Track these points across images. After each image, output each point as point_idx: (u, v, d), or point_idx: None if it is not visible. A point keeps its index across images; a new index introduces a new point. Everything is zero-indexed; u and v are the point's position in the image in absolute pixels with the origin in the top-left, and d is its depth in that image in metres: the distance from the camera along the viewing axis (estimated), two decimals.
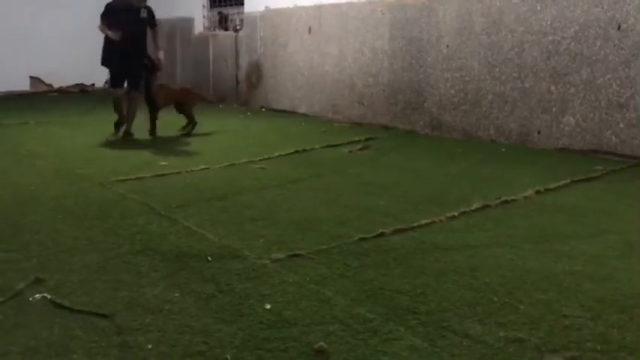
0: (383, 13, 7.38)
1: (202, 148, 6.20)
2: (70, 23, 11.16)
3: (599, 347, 2.20)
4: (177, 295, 2.70)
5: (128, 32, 6.55)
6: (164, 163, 5.46)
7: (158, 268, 3.01)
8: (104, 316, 2.48)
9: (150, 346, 2.24)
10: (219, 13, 10.58)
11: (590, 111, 5.56)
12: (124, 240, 3.42)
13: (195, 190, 4.54)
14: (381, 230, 3.50)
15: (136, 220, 3.78)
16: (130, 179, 4.84)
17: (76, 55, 11.07)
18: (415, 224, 3.63)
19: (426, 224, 3.65)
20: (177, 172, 5.10)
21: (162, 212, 3.93)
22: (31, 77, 11.82)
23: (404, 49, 7.21)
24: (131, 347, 2.24)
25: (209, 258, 3.10)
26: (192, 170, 5.17)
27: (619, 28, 5.30)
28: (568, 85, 5.69)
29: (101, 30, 6.67)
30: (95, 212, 3.98)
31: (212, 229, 3.57)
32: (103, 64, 6.93)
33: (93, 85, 12.41)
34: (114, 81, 6.97)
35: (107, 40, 6.66)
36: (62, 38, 11.19)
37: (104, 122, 7.32)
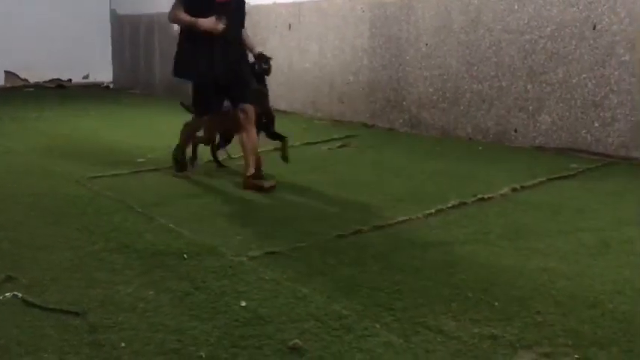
0: (363, 11, 7.39)
1: None
2: (47, 17, 10.99)
3: (570, 343, 2.23)
4: (151, 293, 2.67)
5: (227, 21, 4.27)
6: (142, 160, 5.41)
7: (133, 266, 2.98)
8: (76, 314, 2.45)
9: (123, 345, 2.22)
10: None
11: (565, 110, 5.62)
12: (98, 237, 3.39)
13: (172, 186, 4.51)
14: (359, 227, 3.51)
15: (112, 218, 3.74)
16: (106, 176, 4.79)
17: (53, 49, 10.92)
18: (393, 221, 3.65)
19: (404, 221, 3.67)
20: (154, 169, 5.06)
21: (139, 209, 3.89)
22: (6, 72, 11.63)
23: (383, 47, 7.22)
24: (103, 345, 2.21)
25: (185, 255, 3.08)
26: (169, 167, 5.11)
27: (594, 28, 5.37)
28: (544, 84, 5.74)
29: (178, 20, 4.35)
30: (70, 209, 3.93)
31: (189, 226, 3.54)
32: (180, 74, 4.50)
33: (70, 80, 12.25)
34: (205, 101, 4.45)
35: (188, 36, 4.36)
36: (38, 32, 11.01)
37: (80, 118, 7.23)
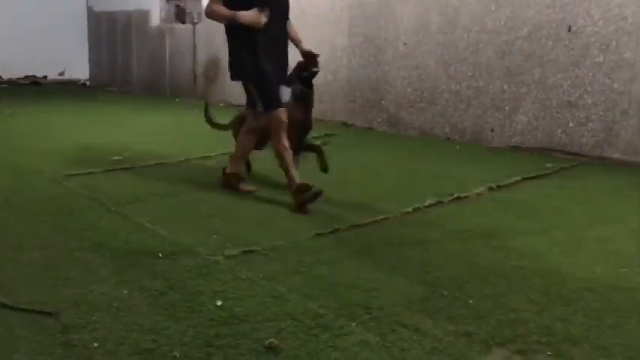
0: (342, 10, 7.39)
1: (157, 143, 6.09)
2: (22, 13, 10.82)
3: (544, 340, 2.25)
4: (126, 292, 2.64)
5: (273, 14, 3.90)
6: (117, 158, 5.35)
7: (107, 265, 2.94)
8: (49, 314, 2.41)
9: (95, 345, 2.18)
10: (177, 5, 10.42)
11: (541, 110, 5.69)
12: (72, 236, 3.34)
13: (148, 185, 4.46)
14: (336, 226, 3.51)
15: (86, 216, 3.69)
16: (81, 174, 4.72)
17: (28, 45, 10.76)
18: (370, 220, 3.65)
19: (381, 220, 3.68)
20: (130, 168, 5.00)
21: (114, 208, 3.84)
22: None
23: (362, 46, 7.23)
24: (76, 346, 2.18)
25: (160, 254, 3.05)
26: (146, 165, 5.07)
27: (569, 29, 5.44)
28: (521, 85, 5.81)
29: (215, 15, 3.96)
30: (43, 208, 3.86)
31: (165, 225, 3.50)
32: (237, 76, 4.08)
33: (45, 77, 12.08)
34: (272, 94, 3.97)
35: (234, 34, 3.98)
36: (14, 28, 10.84)
37: (56, 115, 7.13)
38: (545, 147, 5.66)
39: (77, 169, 4.83)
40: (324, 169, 4.26)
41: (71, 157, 5.40)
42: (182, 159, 5.32)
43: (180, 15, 10.36)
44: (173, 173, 4.85)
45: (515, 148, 5.84)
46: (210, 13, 4.00)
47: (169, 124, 7.51)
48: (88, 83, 12.36)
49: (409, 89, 6.76)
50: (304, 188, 3.84)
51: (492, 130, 6.07)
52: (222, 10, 3.90)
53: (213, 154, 5.50)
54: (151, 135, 6.64)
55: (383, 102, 7.05)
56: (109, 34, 11.84)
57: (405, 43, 6.74)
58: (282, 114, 3.94)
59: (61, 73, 12.21)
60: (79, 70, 12.21)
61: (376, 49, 7.07)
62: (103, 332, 2.28)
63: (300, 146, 4.23)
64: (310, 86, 4.14)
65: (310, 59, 4.08)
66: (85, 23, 12.29)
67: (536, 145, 5.73)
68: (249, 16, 3.81)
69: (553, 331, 2.32)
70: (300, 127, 4.15)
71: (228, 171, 4.33)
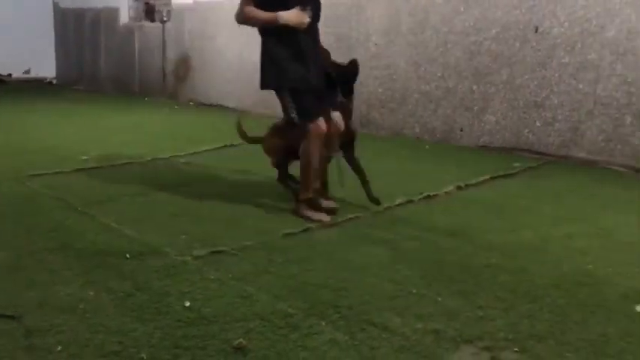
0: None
1: (126, 142, 6.01)
2: None
3: (510, 337, 2.28)
4: (92, 293, 2.60)
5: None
6: (85, 157, 5.26)
7: (73, 266, 2.88)
8: (11, 317, 2.35)
9: (59, 348, 2.14)
10: (146, 3, 10.29)
11: (509, 110, 5.78)
12: (37, 237, 3.27)
13: (116, 185, 4.39)
14: (307, 225, 3.51)
15: (52, 217, 3.62)
16: (48, 174, 4.64)
17: None
18: (341, 219, 3.66)
19: (351, 219, 3.68)
20: (98, 167, 4.93)
21: (80, 208, 3.78)
22: None
23: (334, 46, 7.21)
24: (39, 349, 2.13)
25: (127, 255, 3.00)
26: (114, 165, 5.00)
27: (536, 30, 5.53)
28: (489, 85, 5.88)
29: (251, 19, 3.61)
30: (8, 208, 3.78)
31: (132, 225, 3.45)
32: (274, 84, 3.71)
33: (10, 75, 11.82)
34: (309, 104, 3.62)
35: (270, 37, 3.64)
36: None
37: (21, 114, 6.98)
38: (513, 146, 5.75)
39: (44, 169, 4.73)
40: (373, 199, 3.86)
41: (37, 157, 5.29)
42: (151, 158, 5.26)
43: (150, 13, 10.24)
44: (142, 173, 4.79)
45: (484, 148, 5.91)
46: (245, 18, 3.60)
47: (138, 123, 7.41)
48: (54, 82, 12.12)
49: (380, 89, 6.79)
50: (316, 206, 3.68)
51: (461, 130, 6.14)
52: (259, 13, 3.53)
53: (182, 153, 5.46)
54: (119, 134, 6.54)
55: (354, 102, 7.04)
56: (76, 31, 11.63)
57: (375, 44, 6.77)
58: (322, 124, 3.61)
59: (27, 71, 11.95)
60: (46, 68, 11.97)
61: (348, 49, 7.08)
62: (68, 335, 2.24)
63: (350, 161, 3.97)
64: (350, 94, 3.91)
65: (351, 66, 3.83)
66: (52, 20, 12.05)
67: (504, 145, 5.81)
68: (292, 15, 3.48)
69: (520, 328, 2.35)
70: (342, 136, 3.85)
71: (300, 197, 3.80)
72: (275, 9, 3.50)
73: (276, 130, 4.02)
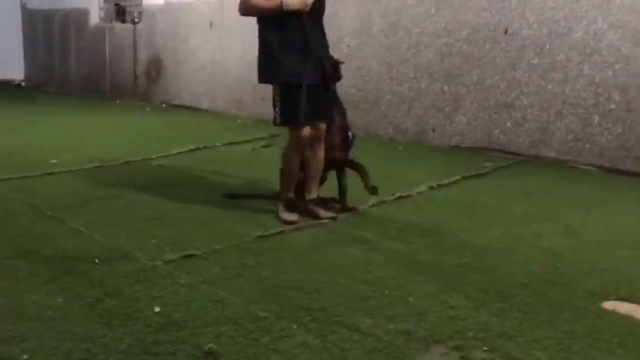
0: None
1: (96, 145, 5.93)
2: None
3: (480, 336, 2.30)
4: (60, 300, 2.55)
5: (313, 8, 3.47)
6: (54, 161, 5.17)
7: (40, 273, 2.83)
8: None
9: (25, 357, 2.10)
10: (116, 4, 10.17)
11: (480, 110, 5.84)
12: (3, 243, 3.21)
13: (86, 189, 4.33)
14: (279, 228, 3.50)
15: (19, 222, 3.56)
16: (15, 178, 4.55)
17: None
18: (314, 222, 3.65)
19: (325, 221, 3.68)
20: (68, 171, 4.85)
21: (49, 213, 3.71)
22: None
23: None
24: (4, 359, 2.09)
25: (96, 260, 2.96)
26: (84, 168, 4.93)
27: (506, 32, 5.60)
28: (460, 86, 5.94)
29: (254, 8, 3.46)
30: None
31: (102, 230, 3.41)
32: (270, 78, 3.56)
33: None
34: (297, 108, 3.44)
35: (272, 25, 3.47)
36: None
37: None
38: (484, 146, 5.81)
39: (12, 173, 4.65)
40: (371, 189, 3.76)
41: (4, 160, 5.18)
42: (122, 161, 5.19)
43: (121, 14, 10.12)
44: (113, 176, 4.72)
45: (456, 148, 5.96)
46: (248, 7, 3.44)
47: (109, 125, 7.31)
48: (23, 84, 11.90)
49: (353, 90, 6.81)
50: (294, 204, 3.67)
51: (433, 131, 6.19)
52: (262, 1, 3.40)
53: (155, 156, 5.40)
54: (90, 137, 6.45)
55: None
56: (45, 32, 11.43)
57: (348, 45, 6.78)
58: (305, 131, 3.54)
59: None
60: (14, 70, 11.74)
61: None
62: (34, 343, 2.20)
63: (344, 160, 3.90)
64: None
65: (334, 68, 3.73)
66: (19, 21, 11.83)
67: (476, 145, 5.87)
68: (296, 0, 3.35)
69: (489, 327, 2.37)
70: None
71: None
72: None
73: None
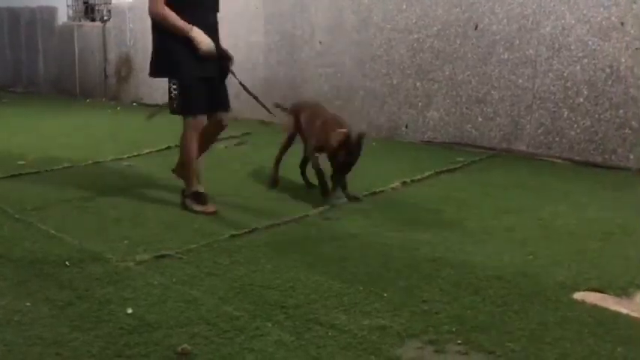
0: (257, 8, 7.34)
1: (65, 146, 5.82)
2: None
3: (454, 329, 2.32)
4: (28, 304, 2.50)
5: (206, 19, 3.75)
6: (21, 162, 5.07)
7: (8, 276, 2.77)
8: None
9: None
10: (85, 2, 10.00)
11: (452, 106, 5.88)
12: None
13: (55, 190, 4.24)
14: (254, 226, 3.48)
15: None
16: None
17: None
18: (287, 219, 3.64)
19: (298, 218, 3.67)
20: (35, 172, 4.75)
21: (17, 216, 3.64)
22: None
23: (278, 44, 7.21)
24: None
25: (67, 263, 2.91)
26: (53, 169, 4.84)
27: (476, 28, 5.65)
28: (432, 82, 5.98)
29: (164, 18, 3.60)
30: None
31: (72, 232, 3.35)
32: (161, 72, 3.79)
33: None
34: (196, 99, 3.74)
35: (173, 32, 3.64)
36: None
37: None
38: (457, 141, 5.86)
39: None
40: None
41: None
42: (92, 162, 5.11)
43: (89, 12, 9.95)
44: (82, 177, 4.64)
45: (429, 143, 6.00)
46: (161, 17, 3.61)
47: (79, 125, 7.19)
48: None
49: (326, 87, 6.81)
50: (201, 199, 3.83)
51: (406, 127, 6.22)
52: (176, 19, 3.58)
53: (125, 156, 5.32)
54: (59, 137, 6.34)
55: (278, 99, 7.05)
56: (11, 31, 11.19)
57: (320, 42, 6.78)
58: (202, 119, 3.79)
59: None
60: None
61: (292, 48, 7.07)
62: (2, 349, 2.15)
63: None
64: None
65: (224, 61, 3.84)
66: None
67: (448, 140, 5.92)
68: (205, 41, 3.62)
69: (463, 320, 2.39)
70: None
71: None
72: (183, 8, 3.59)
73: None
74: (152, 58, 3.80)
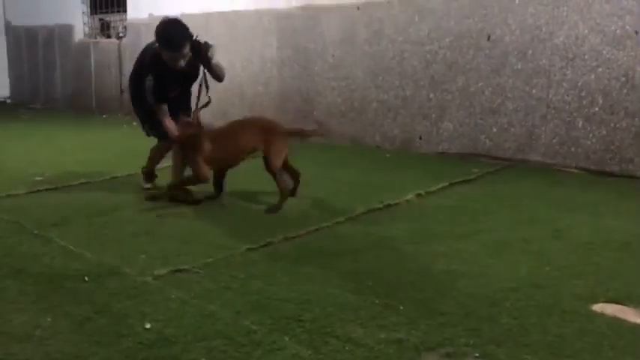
0: (270, 22, 7.41)
1: (82, 161, 5.89)
2: None
3: (471, 342, 2.31)
4: (49, 319, 2.53)
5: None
6: (39, 178, 5.14)
7: (28, 292, 2.81)
8: None
9: None
10: (101, 20, 10.15)
11: (466, 117, 5.88)
12: None
13: (73, 206, 4.29)
14: (269, 239, 3.49)
15: (5, 242, 3.52)
16: (0, 197, 4.50)
17: None
18: (303, 232, 3.65)
19: (314, 231, 3.68)
20: (53, 188, 4.81)
21: (36, 232, 3.68)
22: None
23: (292, 58, 7.27)
24: None
25: (86, 278, 2.94)
26: (70, 185, 4.90)
27: (488, 38, 5.66)
28: (445, 93, 5.98)
29: (157, 111, 4.37)
30: None
31: (90, 247, 3.39)
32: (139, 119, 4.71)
33: None
34: (161, 128, 4.43)
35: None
36: None
37: None
38: (471, 152, 5.85)
39: None
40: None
41: None
42: (109, 177, 5.17)
43: (105, 29, 10.10)
44: (99, 193, 4.69)
45: (443, 155, 6.00)
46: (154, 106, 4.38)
47: (95, 141, 7.28)
48: (8, 101, 11.83)
49: (339, 99, 6.84)
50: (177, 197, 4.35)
51: (420, 138, 6.22)
52: (165, 117, 4.36)
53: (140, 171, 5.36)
54: (76, 153, 6.42)
55: (315, 112, 7.09)
56: (29, 49, 11.38)
57: (333, 55, 6.82)
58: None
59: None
60: None
61: (305, 61, 7.12)
62: None
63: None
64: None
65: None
66: (4, 38, 11.78)
67: (463, 151, 5.91)
68: (172, 129, 4.32)
69: (480, 333, 2.38)
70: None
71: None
72: (160, 82, 4.31)
73: None
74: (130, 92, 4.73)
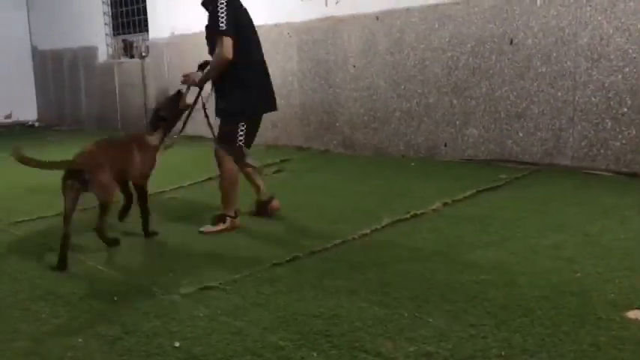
0: (290, 36, 7.45)
1: None
2: None
3: (503, 353, 2.27)
4: (80, 340, 2.56)
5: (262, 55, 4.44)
6: None
7: (60, 314, 2.85)
8: None
9: None
10: (124, 40, 10.33)
11: (491, 122, 5.81)
12: (22, 285, 3.23)
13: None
14: (295, 254, 3.49)
15: (37, 263, 3.58)
16: (32, 220, 4.59)
17: None
18: (329, 245, 3.64)
19: (340, 243, 3.67)
20: (81, 209, 4.85)
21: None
22: None
23: (313, 70, 7.29)
24: None
25: (115, 298, 2.97)
26: (96, 206, 4.95)
27: (511, 42, 5.60)
28: (469, 99, 5.93)
29: (222, 62, 4.19)
30: None
31: (118, 266, 3.44)
32: (245, 116, 4.33)
33: None
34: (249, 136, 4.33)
35: (246, 71, 4.23)
36: None
37: (2, 160, 6.89)
38: (498, 158, 5.77)
39: (28, 215, 4.70)
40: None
41: (20, 201, 5.26)
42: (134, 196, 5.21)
43: (128, 49, 10.27)
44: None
45: (469, 161, 5.93)
46: (222, 59, 4.22)
47: None
48: (36, 124, 12.09)
49: (362, 110, 6.83)
50: None
51: (445, 145, 6.17)
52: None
53: (168, 188, 5.43)
54: None
55: (337, 124, 7.09)
56: (55, 72, 11.65)
57: (354, 66, 6.82)
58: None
59: (8, 116, 11.90)
60: (27, 111, 11.95)
61: (326, 73, 7.14)
62: None
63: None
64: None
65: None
66: (30, 62, 12.08)
67: (489, 157, 5.84)
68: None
69: (512, 344, 2.34)
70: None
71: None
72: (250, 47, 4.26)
73: None
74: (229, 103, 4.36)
